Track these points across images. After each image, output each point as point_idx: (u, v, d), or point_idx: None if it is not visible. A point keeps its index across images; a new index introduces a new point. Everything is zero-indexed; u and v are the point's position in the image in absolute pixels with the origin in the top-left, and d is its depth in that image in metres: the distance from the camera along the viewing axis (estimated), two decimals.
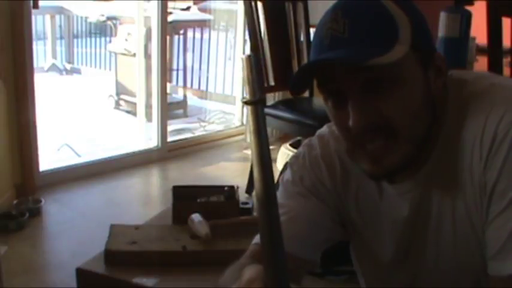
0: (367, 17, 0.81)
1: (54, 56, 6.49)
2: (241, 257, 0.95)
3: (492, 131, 0.81)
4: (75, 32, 6.81)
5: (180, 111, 4.89)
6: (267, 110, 2.94)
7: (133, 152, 3.66)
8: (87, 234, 2.63)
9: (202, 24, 5.41)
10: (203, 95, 5.36)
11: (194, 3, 5.34)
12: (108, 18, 5.79)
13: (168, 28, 4.01)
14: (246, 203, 2.18)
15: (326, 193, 0.98)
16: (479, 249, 0.86)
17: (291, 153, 3.28)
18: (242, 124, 4.26)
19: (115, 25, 5.74)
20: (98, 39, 6.73)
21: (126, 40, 4.72)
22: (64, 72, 6.49)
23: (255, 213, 2.07)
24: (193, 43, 5.52)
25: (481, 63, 2.52)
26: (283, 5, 3.13)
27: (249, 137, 0.62)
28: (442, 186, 0.89)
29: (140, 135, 4.12)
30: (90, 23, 6.57)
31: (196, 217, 1.95)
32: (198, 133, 4.24)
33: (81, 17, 6.53)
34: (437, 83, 0.87)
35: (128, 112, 4.78)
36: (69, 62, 6.61)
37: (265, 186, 0.62)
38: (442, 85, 0.88)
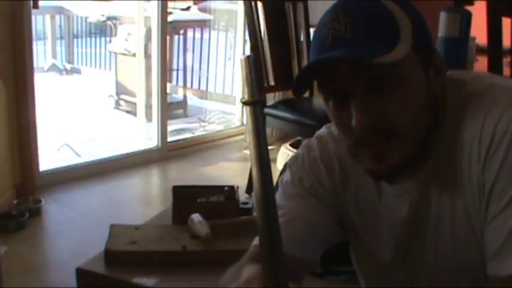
0: (368, 17, 0.81)
1: (54, 56, 6.50)
2: (241, 259, 0.94)
3: (490, 131, 0.81)
4: (75, 32, 6.81)
5: (180, 111, 4.89)
6: (267, 110, 2.94)
7: (133, 152, 3.66)
8: (87, 234, 2.63)
9: (202, 24, 5.42)
10: (203, 95, 5.36)
11: (194, 3, 5.34)
12: (108, 18, 5.79)
13: (168, 28, 4.01)
14: (246, 203, 2.18)
15: (325, 194, 0.98)
16: (478, 250, 0.86)
17: (291, 154, 3.28)
18: (242, 124, 4.26)
19: (115, 25, 5.74)
20: (98, 39, 6.73)
21: (126, 40, 4.72)
22: (64, 72, 6.49)
23: (255, 213, 2.07)
24: (193, 43, 5.52)
25: (481, 63, 2.52)
26: (283, 5, 3.14)
27: (248, 137, 0.62)
28: (441, 187, 0.89)
29: (140, 135, 4.12)
30: (90, 23, 6.58)
31: (196, 217, 1.95)
32: (198, 133, 4.25)
33: (81, 17, 6.53)
34: (437, 82, 0.87)
35: (128, 112, 4.78)
36: (69, 62, 6.61)
37: (264, 186, 0.62)
38: (441, 85, 0.88)
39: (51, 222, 2.86)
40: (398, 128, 0.83)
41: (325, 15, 0.85)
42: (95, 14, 5.86)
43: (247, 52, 3.93)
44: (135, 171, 3.50)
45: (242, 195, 2.72)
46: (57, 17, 6.50)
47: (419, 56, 0.83)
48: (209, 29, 5.37)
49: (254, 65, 0.61)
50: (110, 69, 5.95)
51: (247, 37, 3.62)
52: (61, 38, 6.70)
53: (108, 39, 6.18)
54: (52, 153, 3.61)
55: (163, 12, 3.62)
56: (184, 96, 5.23)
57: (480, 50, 2.51)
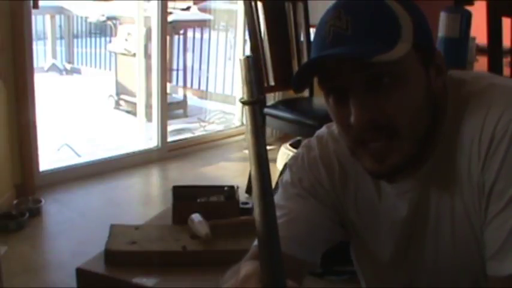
0: (369, 15, 0.82)
1: (54, 56, 6.49)
2: (242, 259, 0.94)
3: (490, 131, 0.81)
4: (75, 32, 6.81)
5: (180, 111, 4.89)
6: (267, 110, 2.94)
7: (133, 152, 3.66)
8: (87, 234, 2.63)
9: (202, 24, 5.41)
10: (203, 95, 5.36)
11: (194, 3, 5.34)
12: (108, 18, 5.79)
13: (168, 28, 4.01)
14: (246, 203, 2.18)
15: (325, 194, 0.98)
16: (478, 249, 0.86)
17: (291, 153, 3.28)
18: (242, 124, 4.26)
19: (115, 25, 5.74)
20: (98, 39, 6.73)
21: (126, 40, 4.72)
22: (64, 72, 6.49)
23: None
24: (193, 43, 5.52)
25: (481, 63, 2.52)
26: (283, 5, 3.14)
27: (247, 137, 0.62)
28: (441, 186, 0.89)
29: (140, 135, 4.13)
30: (90, 23, 6.57)
31: (196, 217, 1.95)
32: (198, 133, 4.25)
33: (81, 17, 6.53)
34: (438, 82, 0.87)
35: (128, 112, 4.78)
36: (69, 62, 6.61)
37: (262, 186, 0.62)
38: (441, 84, 0.88)
39: (51, 222, 2.86)
40: (398, 126, 0.83)
41: (327, 12, 0.85)
42: (95, 14, 5.85)
43: (247, 52, 3.93)
44: (135, 171, 3.51)
45: (242, 195, 2.72)
46: (57, 17, 6.50)
47: (419, 55, 0.83)
48: (209, 29, 5.37)
49: (253, 65, 0.62)
50: (110, 69, 5.95)
51: (247, 37, 3.62)
52: (61, 38, 6.70)
53: (108, 39, 6.18)
54: (52, 153, 3.61)
55: (163, 12, 3.62)
56: (184, 96, 5.23)
57: (480, 50, 2.51)
